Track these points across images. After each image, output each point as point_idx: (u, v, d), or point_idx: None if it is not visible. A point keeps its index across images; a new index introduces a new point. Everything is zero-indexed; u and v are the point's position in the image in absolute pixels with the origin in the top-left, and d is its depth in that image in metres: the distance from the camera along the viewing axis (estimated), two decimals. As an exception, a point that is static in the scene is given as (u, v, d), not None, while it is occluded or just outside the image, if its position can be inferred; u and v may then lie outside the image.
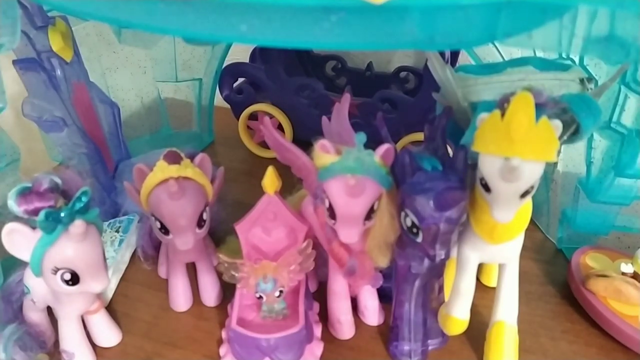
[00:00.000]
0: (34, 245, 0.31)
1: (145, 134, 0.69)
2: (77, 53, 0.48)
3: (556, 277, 0.48)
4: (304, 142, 0.37)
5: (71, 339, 0.38)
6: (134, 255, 0.49)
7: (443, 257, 0.33)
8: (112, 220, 0.51)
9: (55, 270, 0.31)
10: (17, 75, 0.43)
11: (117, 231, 0.50)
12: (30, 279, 0.36)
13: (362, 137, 0.32)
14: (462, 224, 0.33)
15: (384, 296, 0.42)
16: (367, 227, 0.34)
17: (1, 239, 0.31)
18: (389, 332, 0.40)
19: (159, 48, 0.63)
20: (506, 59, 0.46)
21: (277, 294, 0.38)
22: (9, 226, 0.30)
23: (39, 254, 0.31)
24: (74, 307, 0.37)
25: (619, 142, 0.43)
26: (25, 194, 0.30)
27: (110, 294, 0.45)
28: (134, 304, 0.45)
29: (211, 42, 0.63)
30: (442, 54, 0.46)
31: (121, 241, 0.49)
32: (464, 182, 0.32)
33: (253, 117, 0.67)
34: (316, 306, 0.43)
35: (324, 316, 0.42)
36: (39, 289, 0.36)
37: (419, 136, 0.58)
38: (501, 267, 0.37)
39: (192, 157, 0.40)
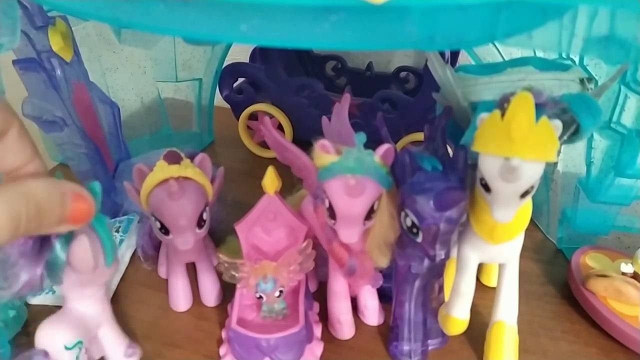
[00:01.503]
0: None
1: (145, 134, 0.69)
2: (77, 53, 0.48)
3: (556, 277, 0.48)
4: (304, 142, 0.37)
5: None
6: (134, 255, 0.49)
7: (443, 257, 0.33)
8: (112, 220, 0.51)
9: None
10: (17, 75, 0.43)
11: (117, 231, 0.50)
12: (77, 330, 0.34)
13: (362, 137, 0.32)
14: (462, 224, 0.33)
15: (384, 296, 0.42)
16: (367, 227, 0.34)
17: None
18: (389, 332, 0.40)
19: (159, 48, 0.63)
20: (506, 59, 0.46)
21: (277, 294, 0.38)
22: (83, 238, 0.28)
23: None
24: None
25: (619, 142, 0.43)
26: None
27: (110, 294, 0.45)
28: (134, 304, 0.45)
29: (211, 42, 0.63)
30: (442, 54, 0.46)
31: (121, 241, 0.49)
32: (464, 182, 0.32)
33: (253, 117, 0.68)
34: (316, 306, 0.43)
35: (324, 316, 0.42)
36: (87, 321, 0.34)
37: (419, 136, 0.58)
38: (501, 267, 0.37)
39: (192, 157, 0.40)
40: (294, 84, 0.63)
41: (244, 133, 0.69)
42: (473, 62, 0.53)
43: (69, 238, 0.28)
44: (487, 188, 0.29)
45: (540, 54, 0.42)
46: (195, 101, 0.69)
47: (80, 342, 0.33)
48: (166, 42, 0.62)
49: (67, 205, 0.22)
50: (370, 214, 0.33)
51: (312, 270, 0.39)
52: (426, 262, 0.35)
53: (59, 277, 0.29)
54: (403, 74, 0.70)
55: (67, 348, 0.33)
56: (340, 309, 0.40)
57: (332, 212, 0.33)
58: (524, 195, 0.28)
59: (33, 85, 0.44)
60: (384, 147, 0.33)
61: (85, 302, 0.34)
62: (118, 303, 0.45)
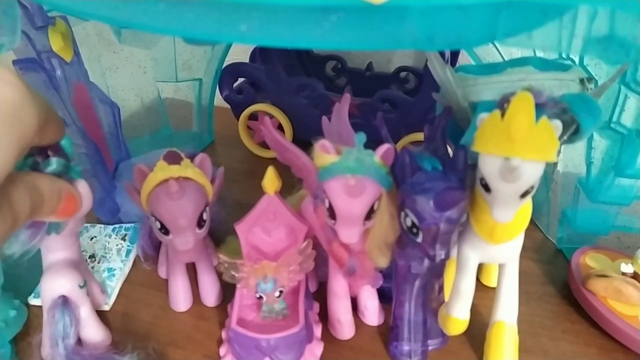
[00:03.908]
0: None
1: (145, 134, 0.69)
2: (77, 53, 0.48)
3: (556, 277, 0.48)
4: (304, 142, 0.37)
5: None
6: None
7: (443, 257, 0.33)
8: (117, 226, 0.51)
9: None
10: (17, 75, 0.43)
11: (124, 239, 0.50)
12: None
13: (362, 137, 0.32)
14: (462, 224, 0.33)
15: (384, 296, 0.42)
16: (367, 227, 0.34)
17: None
18: (389, 332, 0.40)
19: (159, 48, 0.63)
20: (506, 59, 0.46)
21: (277, 294, 0.38)
22: None
23: None
24: None
25: (619, 142, 0.43)
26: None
27: (113, 298, 0.45)
28: (134, 305, 0.45)
29: (211, 42, 0.63)
30: (442, 54, 0.46)
31: (128, 251, 0.49)
32: (464, 182, 0.32)
33: (253, 117, 0.68)
34: (316, 306, 0.43)
35: (324, 316, 0.42)
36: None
37: (419, 136, 0.58)
38: (501, 267, 0.37)
39: (192, 157, 0.40)
40: (294, 84, 0.63)
41: (244, 133, 0.69)
42: (473, 62, 0.53)
43: None
44: (487, 188, 0.29)
45: (540, 54, 0.42)
46: (195, 101, 0.69)
47: (85, 282, 0.37)
48: (166, 42, 0.62)
49: (61, 201, 0.26)
50: (370, 214, 0.33)
51: (312, 270, 0.39)
52: (426, 262, 0.35)
53: (59, 228, 0.32)
54: (403, 74, 0.70)
55: (80, 287, 0.37)
56: (340, 309, 0.40)
57: (332, 212, 0.33)
58: (524, 195, 0.28)
59: (33, 85, 0.43)
60: (384, 147, 0.33)
61: (72, 249, 0.37)
62: (119, 303, 0.45)
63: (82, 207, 0.29)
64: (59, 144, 0.28)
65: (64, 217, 0.27)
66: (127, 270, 0.48)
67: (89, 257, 0.48)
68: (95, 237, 0.51)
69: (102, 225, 0.52)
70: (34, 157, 0.27)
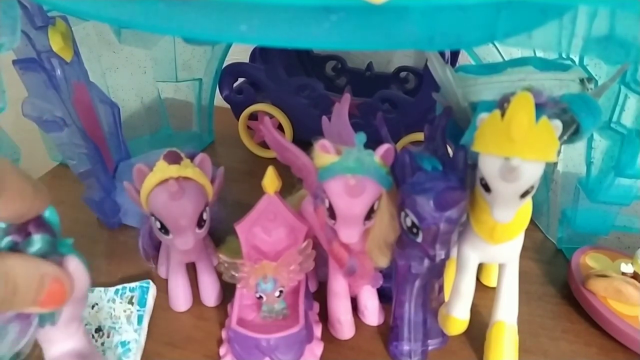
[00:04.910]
0: None
1: (145, 134, 0.69)
2: (77, 53, 0.48)
3: (556, 277, 0.48)
4: (304, 142, 0.37)
5: None
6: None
7: (443, 257, 0.33)
8: (120, 288, 0.44)
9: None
10: (17, 75, 0.43)
11: (131, 302, 0.43)
12: None
13: (362, 137, 0.32)
14: (462, 224, 0.33)
15: (384, 296, 0.42)
16: (367, 227, 0.34)
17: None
18: (389, 332, 0.40)
19: (159, 48, 0.63)
20: (506, 59, 0.46)
21: (277, 294, 0.38)
22: None
23: None
24: None
25: (619, 142, 0.43)
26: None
27: None
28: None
29: (211, 42, 0.63)
30: (442, 54, 0.46)
31: (140, 317, 0.42)
32: (464, 182, 0.32)
33: (253, 117, 0.68)
34: (316, 306, 0.43)
35: (324, 316, 0.42)
36: None
37: (419, 136, 0.58)
38: (501, 267, 0.37)
39: (192, 157, 0.40)
40: (294, 84, 0.63)
41: (244, 133, 0.69)
42: (473, 62, 0.53)
43: None
44: (487, 188, 0.29)
45: (540, 54, 0.42)
46: (195, 101, 0.69)
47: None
48: (166, 42, 0.62)
49: (44, 288, 0.22)
50: (370, 214, 0.33)
51: (312, 270, 0.39)
52: (426, 262, 0.35)
53: (54, 317, 0.26)
54: (403, 74, 0.70)
55: None
56: (340, 309, 0.40)
57: (332, 212, 0.33)
58: (524, 195, 0.28)
59: (33, 85, 0.44)
60: (384, 147, 0.33)
61: (76, 337, 0.31)
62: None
63: (74, 291, 0.24)
64: (41, 218, 0.24)
65: (50, 307, 0.22)
66: (143, 340, 0.40)
67: (96, 332, 0.41)
68: (97, 304, 0.43)
69: (102, 289, 0.44)
70: (10, 237, 0.22)
